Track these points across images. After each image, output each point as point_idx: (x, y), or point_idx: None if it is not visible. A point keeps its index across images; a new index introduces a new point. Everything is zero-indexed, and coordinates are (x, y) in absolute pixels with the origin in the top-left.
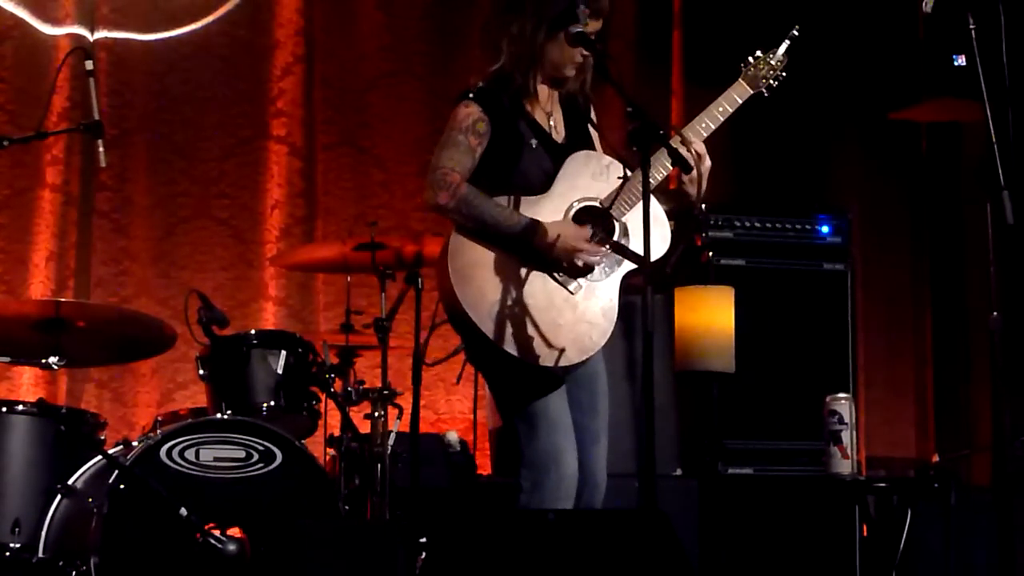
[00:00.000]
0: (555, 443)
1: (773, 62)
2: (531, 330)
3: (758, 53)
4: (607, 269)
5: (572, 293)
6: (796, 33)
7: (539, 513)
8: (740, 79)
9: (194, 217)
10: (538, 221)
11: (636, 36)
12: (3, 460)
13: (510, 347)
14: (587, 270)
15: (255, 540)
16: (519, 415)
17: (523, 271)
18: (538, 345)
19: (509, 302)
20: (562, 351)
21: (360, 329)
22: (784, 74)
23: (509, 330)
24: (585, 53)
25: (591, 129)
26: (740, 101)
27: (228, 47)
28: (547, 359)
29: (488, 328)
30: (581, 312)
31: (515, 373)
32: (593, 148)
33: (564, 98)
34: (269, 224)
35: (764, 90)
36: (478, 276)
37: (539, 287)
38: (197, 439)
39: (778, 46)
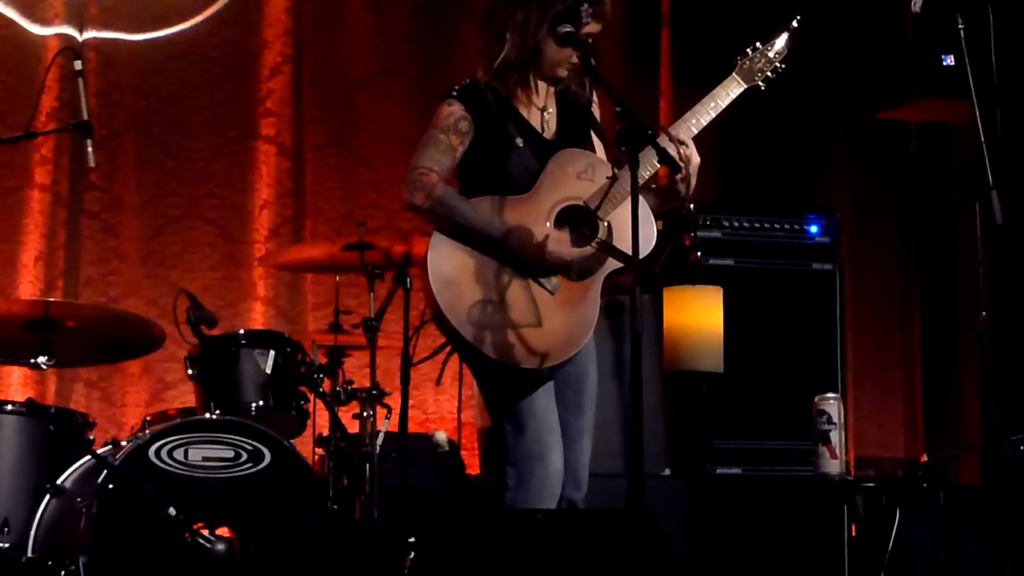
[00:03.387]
0: (541, 440)
1: (771, 54)
2: (511, 332)
3: (757, 45)
4: (589, 268)
5: (552, 293)
6: (796, 25)
7: (527, 513)
8: (734, 73)
9: (183, 217)
10: (511, 227)
11: (624, 35)
12: None
13: (490, 350)
14: (563, 270)
15: (244, 540)
16: (505, 414)
17: (502, 272)
18: (519, 347)
19: (488, 305)
20: (544, 353)
21: (349, 329)
22: (783, 66)
23: (489, 333)
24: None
25: (591, 130)
26: (732, 97)
27: (217, 47)
28: (529, 361)
29: (468, 332)
30: (562, 312)
31: (498, 375)
32: (584, 147)
33: (562, 95)
34: (258, 224)
35: (760, 83)
36: (457, 278)
37: (518, 288)
38: (186, 439)
39: (776, 38)
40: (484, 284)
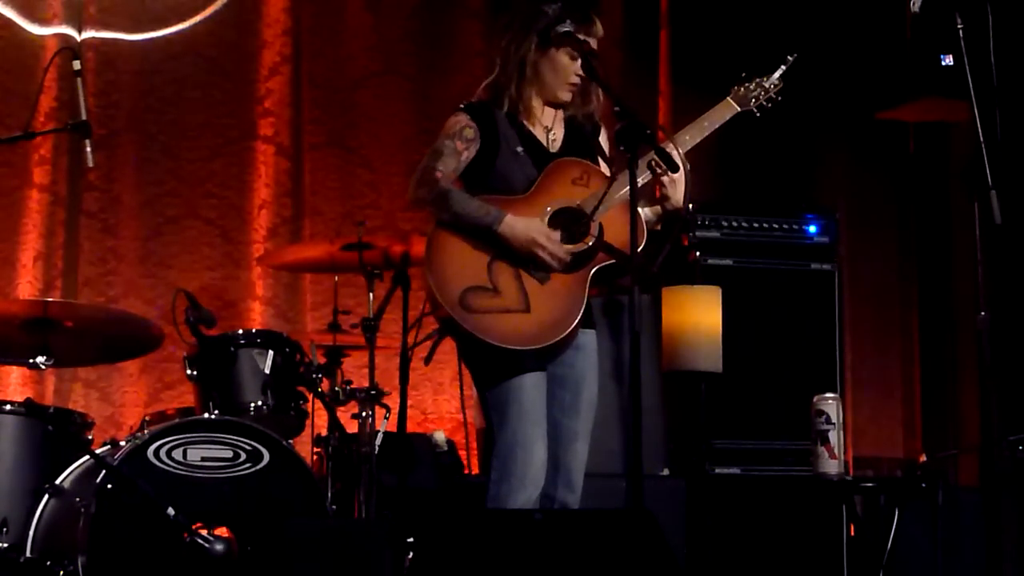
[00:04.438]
0: (525, 431)
1: (767, 85)
2: (500, 315)
3: (754, 77)
4: (578, 263)
5: (541, 283)
6: (791, 59)
7: (526, 512)
8: (728, 98)
9: (182, 217)
10: (506, 213)
11: (623, 35)
12: None
13: (477, 330)
14: (551, 264)
15: (242, 540)
16: (492, 404)
17: (495, 262)
18: (506, 329)
19: (479, 290)
20: (530, 335)
21: (347, 329)
22: (780, 98)
23: (478, 315)
24: (580, 74)
25: (597, 155)
26: (726, 118)
27: (215, 47)
28: (515, 342)
29: (458, 313)
30: (551, 300)
31: (486, 357)
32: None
33: (570, 124)
34: (256, 224)
35: (755, 110)
36: (451, 265)
37: (510, 277)
38: (185, 439)
39: (773, 70)
40: (477, 271)
